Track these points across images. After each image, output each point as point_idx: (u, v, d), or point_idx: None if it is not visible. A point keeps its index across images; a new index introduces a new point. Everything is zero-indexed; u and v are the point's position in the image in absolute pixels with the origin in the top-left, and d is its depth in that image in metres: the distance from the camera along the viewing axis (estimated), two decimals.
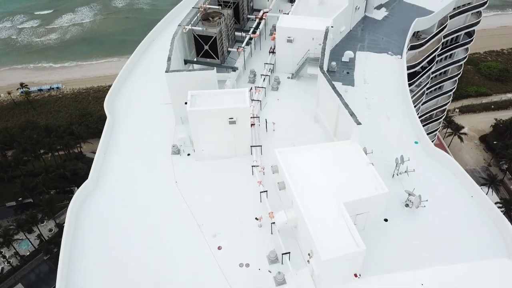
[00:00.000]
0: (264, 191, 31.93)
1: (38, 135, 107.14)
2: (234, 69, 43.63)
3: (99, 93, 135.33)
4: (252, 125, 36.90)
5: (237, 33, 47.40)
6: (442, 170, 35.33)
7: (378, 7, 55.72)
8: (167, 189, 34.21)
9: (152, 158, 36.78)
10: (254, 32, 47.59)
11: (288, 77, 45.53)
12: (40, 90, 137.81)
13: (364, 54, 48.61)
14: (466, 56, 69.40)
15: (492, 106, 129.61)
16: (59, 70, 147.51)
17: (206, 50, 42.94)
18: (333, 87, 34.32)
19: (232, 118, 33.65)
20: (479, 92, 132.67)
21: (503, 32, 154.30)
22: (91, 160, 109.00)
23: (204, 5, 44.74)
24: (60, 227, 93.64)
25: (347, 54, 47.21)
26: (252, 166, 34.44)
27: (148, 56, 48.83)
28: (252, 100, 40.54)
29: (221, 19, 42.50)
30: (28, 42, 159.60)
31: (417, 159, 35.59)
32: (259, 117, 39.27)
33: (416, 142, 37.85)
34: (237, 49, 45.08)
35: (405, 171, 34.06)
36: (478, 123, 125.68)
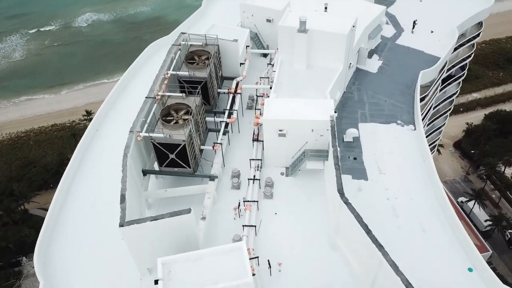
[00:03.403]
0: None
1: None
2: (212, 177, 32.10)
3: (42, 136, 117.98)
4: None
5: (208, 119, 35.74)
6: None
7: (370, 54, 45.74)
8: None
9: None
10: (230, 115, 36.18)
11: (282, 174, 34.60)
12: None
13: (368, 128, 38.32)
14: (458, 90, 61.66)
15: (461, 109, 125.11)
16: None
17: (172, 159, 31.19)
18: (373, 238, 23.65)
19: None
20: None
21: None
22: (40, 221, 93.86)
23: (162, 93, 32.74)
24: None
25: (350, 133, 36.77)
26: None
27: (91, 160, 36.01)
28: (243, 226, 29.45)
29: (189, 115, 30.71)
30: None
31: None
32: (258, 257, 27.99)
33: (470, 270, 28.28)
34: (213, 147, 33.47)
35: None
36: (450, 129, 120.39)
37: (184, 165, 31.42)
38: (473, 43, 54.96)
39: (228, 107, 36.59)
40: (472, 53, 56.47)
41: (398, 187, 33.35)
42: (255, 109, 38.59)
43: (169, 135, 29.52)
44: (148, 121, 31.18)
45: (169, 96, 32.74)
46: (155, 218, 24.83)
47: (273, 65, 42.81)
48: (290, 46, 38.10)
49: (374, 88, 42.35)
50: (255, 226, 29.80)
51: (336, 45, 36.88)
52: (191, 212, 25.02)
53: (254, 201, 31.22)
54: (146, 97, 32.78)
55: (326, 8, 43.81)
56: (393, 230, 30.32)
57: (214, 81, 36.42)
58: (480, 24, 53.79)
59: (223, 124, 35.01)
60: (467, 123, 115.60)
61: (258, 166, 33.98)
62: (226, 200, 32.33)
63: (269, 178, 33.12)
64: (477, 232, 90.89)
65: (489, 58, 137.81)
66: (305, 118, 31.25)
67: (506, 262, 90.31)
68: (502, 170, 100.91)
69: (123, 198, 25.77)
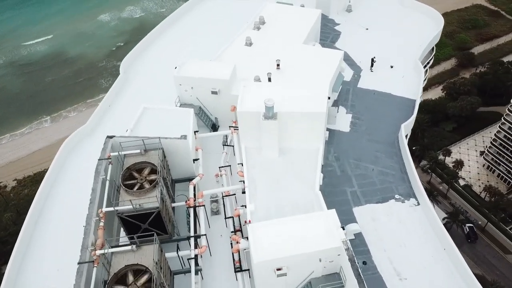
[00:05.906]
0: None
1: None
2: None
3: None
4: None
5: (168, 255, 25.81)
6: None
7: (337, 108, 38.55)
8: None
9: None
10: (196, 243, 26.59)
11: None
12: None
13: (366, 213, 30.90)
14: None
15: None
16: None
17: None
18: None
19: None
20: None
21: None
22: None
23: (101, 251, 22.38)
24: None
25: (351, 230, 28.88)
26: None
27: None
28: None
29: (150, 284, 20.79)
30: None
31: None
32: None
33: None
34: None
35: None
36: None
37: None
38: (427, 69, 50.52)
39: (192, 231, 27.01)
40: (426, 78, 52.03)
41: None
42: (226, 218, 29.45)
43: None
44: None
45: (112, 253, 22.53)
46: None
47: (229, 145, 34.12)
48: (255, 133, 29.38)
49: (354, 153, 35.15)
50: None
51: (313, 125, 28.90)
52: None
53: None
54: (79, 263, 22.25)
55: (278, 65, 36.02)
56: None
57: (168, 203, 26.60)
58: (432, 49, 49.40)
59: (193, 262, 25.45)
60: None
61: None
62: None
63: None
64: None
65: None
66: (310, 249, 22.86)
67: (467, 254, 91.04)
68: (443, 160, 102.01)
69: None
